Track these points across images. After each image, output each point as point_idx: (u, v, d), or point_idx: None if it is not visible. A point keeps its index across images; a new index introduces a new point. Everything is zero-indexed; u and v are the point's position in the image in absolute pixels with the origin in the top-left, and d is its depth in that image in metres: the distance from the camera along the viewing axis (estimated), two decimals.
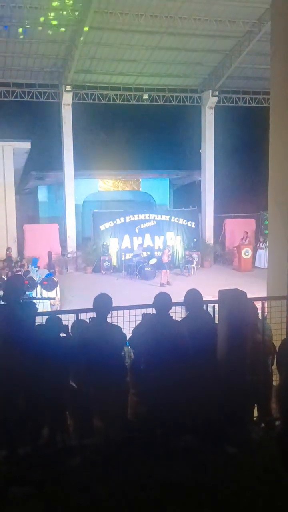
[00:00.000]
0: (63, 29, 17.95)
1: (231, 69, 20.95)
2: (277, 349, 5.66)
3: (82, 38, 17.99)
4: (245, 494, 4.48)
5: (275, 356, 5.67)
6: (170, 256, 20.57)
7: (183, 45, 19.66)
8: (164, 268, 19.42)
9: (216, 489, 4.51)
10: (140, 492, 4.47)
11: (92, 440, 5.23)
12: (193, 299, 5.54)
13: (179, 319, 5.58)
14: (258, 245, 22.74)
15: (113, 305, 5.43)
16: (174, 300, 5.57)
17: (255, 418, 5.89)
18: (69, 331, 5.46)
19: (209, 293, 7.09)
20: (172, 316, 5.46)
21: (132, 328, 5.47)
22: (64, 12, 16.72)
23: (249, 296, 5.66)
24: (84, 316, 5.59)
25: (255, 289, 8.62)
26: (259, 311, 6.00)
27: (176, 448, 5.04)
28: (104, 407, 5.08)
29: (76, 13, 16.90)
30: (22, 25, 17.29)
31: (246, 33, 19.05)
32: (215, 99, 22.66)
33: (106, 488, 4.54)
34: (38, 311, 5.81)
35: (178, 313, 5.70)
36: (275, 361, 5.70)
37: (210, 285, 12.14)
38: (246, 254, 21.81)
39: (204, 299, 5.91)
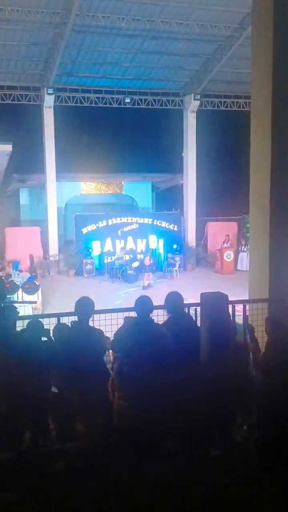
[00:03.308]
0: (44, 32, 17.91)
1: (213, 73, 21.07)
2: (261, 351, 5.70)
3: (63, 41, 17.96)
4: (227, 496, 4.51)
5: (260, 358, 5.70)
6: (152, 259, 20.59)
7: (165, 48, 19.73)
8: (146, 271, 19.45)
9: (200, 491, 4.53)
10: (125, 496, 4.46)
11: (75, 444, 5.21)
12: (173, 302, 5.56)
13: (161, 322, 5.60)
14: (240, 248, 22.88)
15: (96, 308, 5.43)
16: (157, 303, 5.59)
17: (237, 421, 5.93)
18: (51, 335, 5.43)
19: (192, 296, 7.12)
20: (153, 319, 5.47)
21: (114, 332, 5.46)
22: (46, 15, 16.67)
23: (231, 298, 5.70)
24: (66, 320, 5.57)
25: (237, 292, 8.67)
26: (241, 313, 6.04)
27: (161, 451, 5.04)
28: (86, 411, 5.07)
29: (58, 15, 16.86)
30: (3, 27, 17.21)
31: (227, 37, 19.17)
32: (197, 102, 22.77)
33: (90, 493, 4.52)
34: (20, 315, 5.78)
35: (160, 316, 5.72)
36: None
37: (193, 288, 12.16)
38: (228, 257, 21.92)
39: (186, 301, 5.94)
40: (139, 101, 22.57)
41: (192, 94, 22.47)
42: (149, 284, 18.79)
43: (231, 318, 5.86)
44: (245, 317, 6.03)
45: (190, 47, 19.80)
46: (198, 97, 22.53)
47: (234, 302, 5.92)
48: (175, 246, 22.47)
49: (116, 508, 4.30)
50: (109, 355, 5.91)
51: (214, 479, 4.71)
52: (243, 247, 22.46)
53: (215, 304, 5.39)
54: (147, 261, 19.76)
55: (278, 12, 7.50)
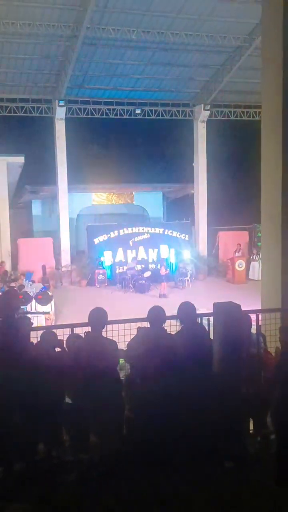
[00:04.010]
0: (56, 45, 18.11)
1: (223, 83, 21.18)
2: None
3: (75, 54, 18.15)
4: (241, 508, 4.48)
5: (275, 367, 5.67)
6: (167, 269, 20.65)
7: (175, 60, 19.87)
8: (162, 280, 19.51)
9: (213, 504, 4.50)
10: (137, 507, 4.45)
11: (88, 456, 5.20)
12: (186, 312, 5.56)
13: (174, 332, 5.60)
14: (251, 257, 22.81)
15: (109, 318, 5.44)
16: (169, 313, 5.59)
17: (251, 431, 5.89)
18: (64, 345, 5.45)
19: (204, 306, 7.12)
20: (166, 329, 5.47)
21: (128, 342, 5.47)
22: (57, 28, 16.87)
23: (243, 308, 5.68)
24: (79, 330, 5.59)
25: (249, 302, 8.63)
26: (254, 323, 6.03)
27: (173, 463, 5.02)
28: (99, 422, 5.06)
29: (69, 28, 17.05)
30: (15, 41, 17.43)
31: (237, 48, 19.27)
32: (207, 113, 22.85)
33: (102, 504, 4.51)
34: (33, 325, 5.81)
35: (173, 326, 5.72)
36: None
37: (204, 298, 12.16)
38: (240, 266, 21.86)
39: (198, 311, 5.93)
40: (150, 112, 22.71)
41: (202, 105, 22.57)
42: (164, 294, 18.81)
43: (250, 328, 5.85)
44: (258, 327, 6.02)
45: (200, 58, 19.91)
46: (208, 107, 22.63)
47: (246, 312, 5.91)
48: (187, 252, 22.47)
49: None
50: (122, 366, 5.91)
51: (229, 491, 4.68)
52: (254, 256, 22.38)
53: (228, 314, 5.38)
54: (163, 270, 19.81)
55: (287, 22, 7.54)
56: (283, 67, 7.60)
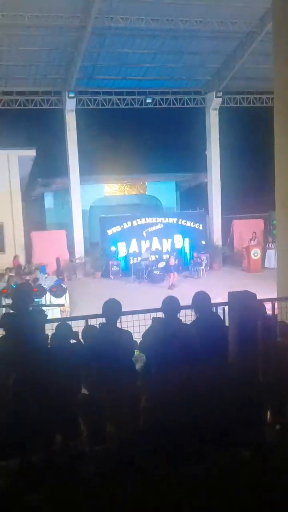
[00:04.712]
0: (64, 36, 18.03)
1: (234, 70, 20.94)
2: None
3: (83, 44, 18.05)
4: (259, 498, 4.45)
5: None
6: (176, 259, 20.57)
7: (185, 47, 19.66)
8: (171, 271, 19.43)
9: (230, 494, 4.48)
10: (155, 498, 4.44)
11: (105, 446, 5.21)
12: (201, 301, 5.53)
13: (189, 322, 5.57)
14: (267, 245, 22.65)
15: (123, 309, 5.43)
16: (184, 303, 5.55)
17: (269, 420, 5.86)
18: (79, 337, 5.45)
19: (219, 295, 7.06)
20: (181, 319, 5.45)
21: (142, 333, 5.46)
22: (66, 19, 16.77)
23: (259, 297, 5.63)
24: (94, 322, 5.58)
25: (265, 290, 8.57)
26: (269, 311, 5.98)
27: (190, 452, 5.00)
28: (116, 413, 5.07)
29: (77, 19, 16.95)
30: (23, 33, 17.38)
31: (248, 33, 19.02)
32: (219, 100, 22.65)
33: (120, 495, 4.51)
34: (48, 318, 5.82)
35: (188, 316, 5.69)
36: None
37: (220, 287, 12.08)
38: (255, 255, 21.72)
39: (214, 301, 5.90)
40: (161, 101, 22.56)
41: (214, 92, 22.38)
42: (172, 284, 18.75)
43: (268, 316, 5.80)
44: (275, 315, 5.96)
45: (211, 45, 19.69)
46: (220, 94, 22.44)
47: (262, 301, 5.86)
48: (203, 242, 22.40)
49: (145, 510, 4.27)
50: (137, 356, 5.90)
51: (246, 480, 4.65)
52: (270, 244, 22.22)
53: (243, 303, 5.33)
54: (172, 261, 19.75)
55: None
56: None
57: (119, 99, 22.13)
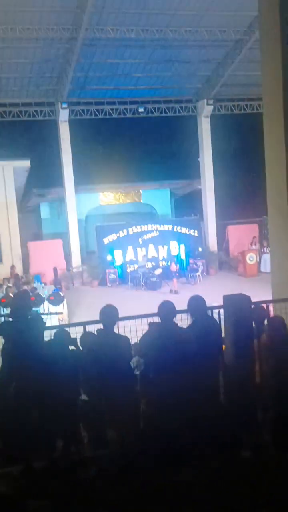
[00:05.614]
0: (56, 48, 18.20)
1: (224, 77, 21.14)
2: None
3: (75, 56, 18.23)
4: (262, 498, 4.51)
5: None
6: (177, 265, 20.72)
7: (175, 56, 19.86)
8: (173, 276, 19.55)
9: (233, 495, 4.53)
10: (157, 501, 4.50)
11: (106, 451, 5.27)
12: (196, 305, 5.62)
13: (185, 326, 5.65)
14: (262, 250, 22.77)
15: (122, 316, 5.51)
16: (182, 309, 5.64)
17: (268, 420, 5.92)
18: (78, 343, 5.53)
19: (216, 300, 7.14)
20: (177, 323, 5.53)
21: (140, 338, 5.54)
22: (57, 31, 16.95)
23: (254, 300, 5.73)
24: (92, 328, 5.66)
25: (262, 294, 8.67)
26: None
27: (191, 455, 5.06)
28: (116, 417, 5.13)
29: (68, 31, 17.13)
30: (15, 46, 17.55)
31: (237, 41, 19.24)
32: (210, 107, 22.84)
33: (122, 498, 4.56)
34: (46, 325, 5.89)
35: (184, 321, 5.77)
36: None
37: (217, 292, 12.16)
38: (251, 259, 21.84)
39: (211, 305, 5.99)
40: (153, 110, 22.74)
41: (205, 100, 22.57)
42: (175, 290, 18.88)
43: (265, 318, 5.90)
44: (269, 318, 6.06)
45: (201, 53, 19.89)
46: (211, 102, 22.63)
47: (257, 303, 5.96)
48: (200, 249, 22.52)
49: None
50: (135, 361, 5.98)
51: (247, 480, 4.71)
52: (265, 248, 22.33)
53: (238, 306, 5.43)
54: (174, 267, 19.89)
55: (284, 14, 7.57)
56: (282, 59, 7.64)
57: (111, 109, 22.30)
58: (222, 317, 5.80)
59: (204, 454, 5.08)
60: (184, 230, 23.32)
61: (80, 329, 5.72)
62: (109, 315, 5.34)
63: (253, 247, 22.34)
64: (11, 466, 5.11)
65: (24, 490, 4.81)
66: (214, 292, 13.88)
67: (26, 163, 20.72)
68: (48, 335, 5.53)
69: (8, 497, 4.67)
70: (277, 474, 4.78)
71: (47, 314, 12.61)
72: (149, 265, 21.43)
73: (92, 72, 20.22)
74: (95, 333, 5.52)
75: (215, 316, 6.02)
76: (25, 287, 16.46)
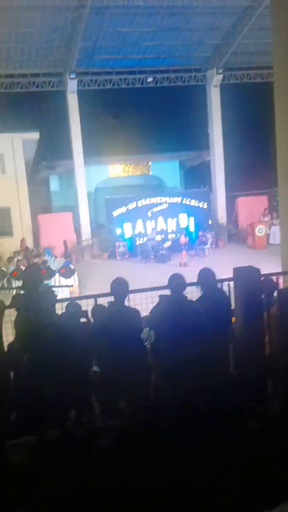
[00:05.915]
0: (63, 16, 17.90)
1: (234, 45, 20.77)
2: None
3: (82, 24, 17.93)
4: (267, 468, 4.58)
5: None
6: (187, 238, 20.71)
7: (184, 24, 19.50)
8: (182, 249, 19.58)
9: (242, 466, 4.61)
10: (169, 471, 4.59)
11: (118, 421, 5.35)
12: (206, 277, 5.64)
13: (194, 299, 5.68)
14: (272, 221, 22.65)
15: (133, 288, 5.54)
16: (190, 281, 5.66)
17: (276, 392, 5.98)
18: (89, 316, 5.59)
19: (225, 273, 7.15)
20: (187, 296, 5.56)
21: (150, 310, 5.58)
22: None
23: (264, 272, 5.74)
24: (103, 301, 5.70)
25: (271, 266, 8.67)
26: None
27: (200, 425, 5.14)
28: (127, 389, 5.20)
29: None
30: (22, 15, 17.27)
31: (246, 8, 18.86)
32: (220, 77, 22.49)
33: (135, 469, 4.65)
34: (57, 298, 5.94)
35: (194, 293, 5.80)
36: None
37: (226, 265, 12.14)
38: (260, 231, 21.73)
39: (220, 277, 6.01)
40: (162, 80, 22.46)
41: (215, 69, 22.23)
42: (184, 263, 18.92)
43: (274, 290, 5.91)
44: (279, 290, 6.07)
45: (210, 21, 19.52)
46: (221, 71, 22.28)
47: (266, 275, 5.96)
48: (210, 222, 22.44)
49: (159, 483, 4.41)
50: (146, 333, 6.03)
51: (255, 451, 4.78)
52: (275, 220, 22.21)
53: (247, 278, 5.44)
54: (183, 239, 19.88)
55: None
56: None
57: (120, 79, 22.02)
58: (231, 289, 5.82)
59: (212, 425, 5.16)
60: (193, 203, 23.19)
61: (91, 302, 5.76)
62: (120, 288, 5.38)
63: (265, 218, 22.22)
64: (25, 436, 5.24)
65: (37, 460, 4.93)
66: (224, 265, 13.87)
67: (35, 135, 20.61)
68: (59, 308, 5.58)
69: (22, 467, 4.79)
70: (285, 445, 4.85)
71: (58, 286, 12.71)
72: (159, 238, 21.42)
73: (100, 41, 19.92)
74: (106, 305, 5.56)
75: (225, 288, 6.04)
76: (36, 260, 16.55)
